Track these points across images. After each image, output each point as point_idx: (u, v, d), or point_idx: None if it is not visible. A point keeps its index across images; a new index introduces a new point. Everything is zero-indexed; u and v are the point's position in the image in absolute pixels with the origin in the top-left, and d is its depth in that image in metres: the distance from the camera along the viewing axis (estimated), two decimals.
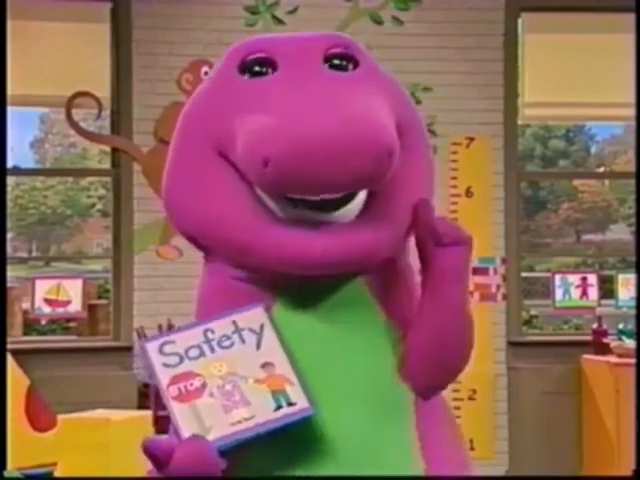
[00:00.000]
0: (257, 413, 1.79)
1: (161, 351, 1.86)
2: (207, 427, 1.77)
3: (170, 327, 6.27)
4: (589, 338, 6.67)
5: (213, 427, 1.77)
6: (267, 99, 1.86)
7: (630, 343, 6.27)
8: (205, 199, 1.93)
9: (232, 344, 1.87)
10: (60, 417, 4.69)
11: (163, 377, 1.83)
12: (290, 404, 1.80)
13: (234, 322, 1.90)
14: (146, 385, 6.12)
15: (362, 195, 1.90)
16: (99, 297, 8.48)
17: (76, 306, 6.48)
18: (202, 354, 1.86)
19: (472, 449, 6.47)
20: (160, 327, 6.29)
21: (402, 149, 1.86)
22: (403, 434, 1.93)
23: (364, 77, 1.96)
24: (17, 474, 4.81)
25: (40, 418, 5.38)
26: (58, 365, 6.25)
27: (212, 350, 1.86)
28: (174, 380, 1.82)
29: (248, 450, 1.81)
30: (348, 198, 1.87)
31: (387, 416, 1.93)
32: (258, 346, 1.87)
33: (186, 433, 1.77)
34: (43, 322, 7.10)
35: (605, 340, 6.52)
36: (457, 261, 1.95)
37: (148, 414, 4.81)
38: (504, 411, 6.68)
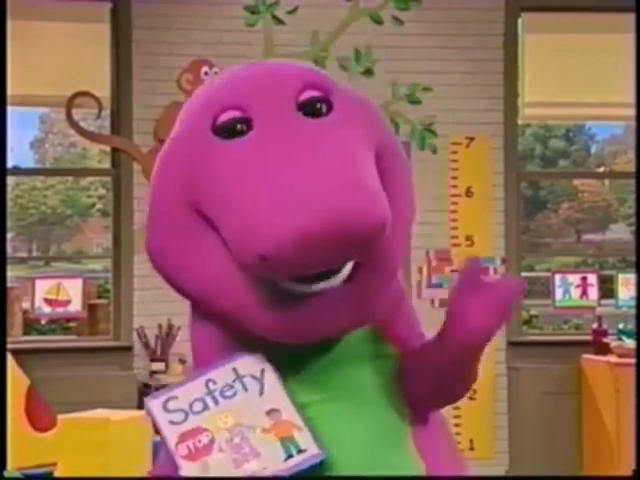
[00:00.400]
0: (268, 465, 1.77)
1: (165, 408, 1.84)
2: None
3: (170, 327, 6.28)
4: (589, 338, 6.67)
5: None
6: (249, 172, 1.78)
7: (630, 343, 6.28)
8: (190, 264, 1.87)
9: (235, 393, 1.85)
10: (60, 417, 4.69)
11: (171, 436, 1.81)
12: (300, 451, 1.78)
13: (234, 369, 1.87)
14: (146, 385, 6.12)
15: (350, 263, 1.85)
16: (99, 297, 8.47)
17: (76, 306, 6.48)
18: (206, 407, 1.83)
19: (472, 449, 6.47)
20: (160, 327, 6.30)
21: (382, 173, 1.83)
22: (404, 456, 1.93)
23: (340, 119, 1.88)
24: (17, 474, 4.81)
25: (40, 418, 5.38)
26: (58, 365, 6.25)
27: (216, 402, 1.84)
28: (182, 438, 1.80)
29: None
30: (335, 270, 1.83)
31: (388, 438, 1.92)
32: (261, 392, 1.85)
33: None
34: (43, 322, 7.10)
35: (605, 340, 6.52)
36: (491, 329, 1.86)
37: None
38: (504, 411, 6.68)
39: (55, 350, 6.45)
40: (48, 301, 6.42)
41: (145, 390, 6.08)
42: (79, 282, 6.55)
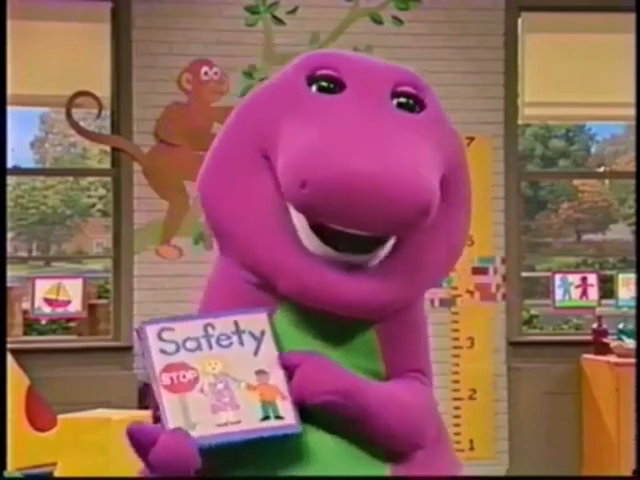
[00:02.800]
0: (244, 419, 1.78)
1: (160, 336, 1.85)
2: (193, 422, 1.77)
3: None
4: (589, 338, 6.66)
5: (198, 424, 1.77)
6: (323, 119, 1.83)
7: (630, 343, 6.27)
8: (242, 204, 1.91)
9: (230, 344, 1.86)
10: (60, 417, 4.69)
11: (158, 363, 1.82)
12: (278, 417, 1.79)
13: (236, 322, 1.88)
14: (146, 385, 6.12)
15: (391, 241, 1.88)
16: (99, 297, 8.47)
17: (76, 306, 6.48)
18: (199, 348, 1.85)
19: (472, 449, 6.47)
20: None
21: (443, 202, 1.85)
22: (378, 458, 1.92)
23: (425, 123, 1.93)
24: (17, 474, 4.81)
25: (40, 418, 5.39)
26: (58, 365, 6.25)
27: (210, 346, 1.85)
28: (168, 368, 1.82)
29: (228, 455, 1.81)
30: (377, 243, 1.86)
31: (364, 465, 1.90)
32: (256, 352, 1.86)
33: (171, 424, 1.77)
34: (43, 322, 7.10)
35: (605, 340, 6.52)
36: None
37: (148, 414, 4.81)
38: (504, 411, 6.67)
39: (55, 350, 6.44)
40: (48, 301, 6.42)
41: (145, 390, 6.08)
42: (79, 282, 6.55)
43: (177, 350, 1.84)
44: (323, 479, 1.84)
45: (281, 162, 1.83)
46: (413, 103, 1.94)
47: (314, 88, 1.92)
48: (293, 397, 1.82)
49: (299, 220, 1.87)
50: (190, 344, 1.85)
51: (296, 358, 1.85)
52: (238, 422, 1.78)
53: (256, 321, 1.89)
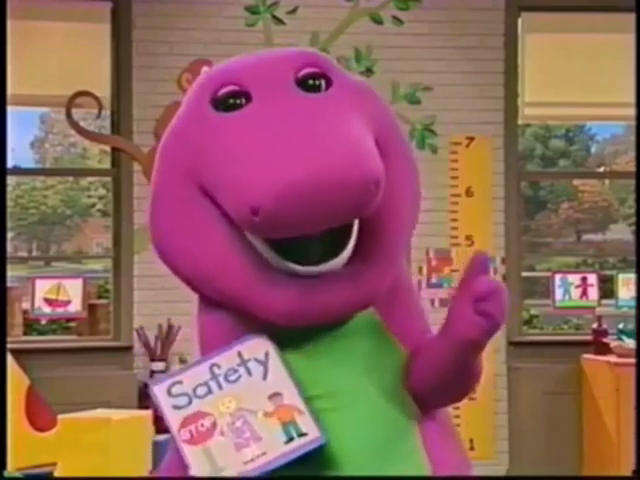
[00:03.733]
0: (269, 449, 1.78)
1: (169, 393, 1.86)
2: (220, 467, 1.77)
3: (170, 327, 6.28)
4: (589, 338, 6.67)
5: (226, 468, 1.77)
6: (246, 139, 1.80)
7: (630, 343, 6.27)
8: (195, 243, 1.89)
9: (239, 377, 1.86)
10: (60, 417, 4.69)
11: (173, 420, 1.83)
12: (301, 435, 1.80)
13: (239, 353, 1.89)
14: (146, 385, 6.12)
15: (351, 244, 1.87)
16: (99, 297, 8.47)
17: (76, 306, 6.48)
18: (210, 391, 1.85)
19: (472, 449, 6.47)
20: (160, 327, 6.30)
21: (384, 157, 1.83)
22: (409, 453, 1.93)
23: (339, 95, 1.90)
24: (17, 474, 4.81)
25: (40, 418, 5.39)
26: (58, 365, 6.25)
27: (219, 386, 1.86)
28: (185, 422, 1.82)
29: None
30: (335, 251, 1.85)
31: (394, 433, 1.92)
32: (265, 376, 1.86)
33: (199, 474, 1.77)
34: (43, 322, 7.10)
35: (605, 340, 6.52)
36: (484, 336, 1.86)
37: (148, 414, 4.81)
38: (504, 411, 6.68)
39: (55, 350, 6.45)
40: (48, 301, 6.42)
41: (145, 390, 6.08)
42: (79, 282, 6.55)
43: (189, 401, 1.84)
44: (335, 479, 1.85)
45: (224, 196, 1.81)
46: (319, 82, 1.92)
47: (221, 110, 1.89)
48: (490, 321, 1.83)
49: (255, 240, 1.86)
50: (200, 390, 1.85)
51: (487, 286, 1.84)
52: (264, 454, 1.78)
53: (258, 346, 1.89)
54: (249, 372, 1.87)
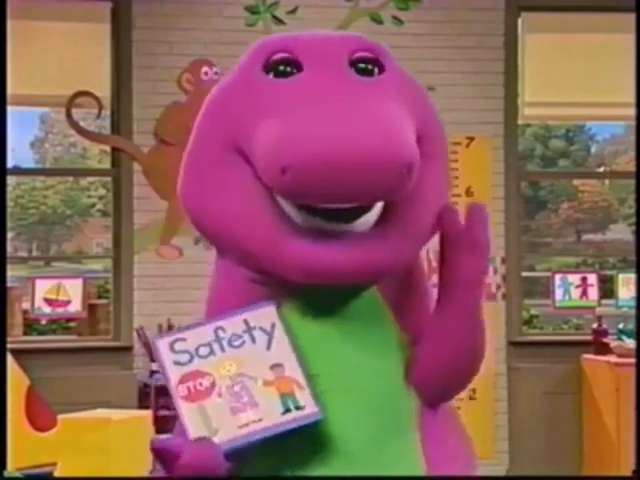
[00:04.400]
0: (265, 416, 1.79)
1: (172, 348, 1.86)
2: (214, 428, 1.78)
3: (170, 327, 6.28)
4: (589, 338, 6.66)
5: (220, 429, 1.78)
6: (290, 103, 1.83)
7: (630, 343, 6.27)
8: (224, 199, 1.90)
9: (243, 343, 1.87)
10: (60, 417, 4.69)
11: (173, 375, 1.84)
12: (298, 408, 1.80)
13: (245, 321, 1.89)
14: (146, 385, 6.12)
15: (379, 205, 1.89)
16: (99, 297, 8.46)
17: (76, 306, 6.48)
18: (212, 353, 1.85)
19: None
20: (160, 327, 6.30)
21: (421, 157, 1.84)
22: (406, 441, 1.94)
23: (388, 83, 1.93)
24: (17, 474, 4.81)
25: (40, 418, 5.39)
26: (58, 365, 6.25)
27: (222, 349, 1.86)
28: (184, 379, 1.83)
29: (253, 450, 1.81)
30: (365, 209, 1.86)
31: (391, 422, 1.93)
32: (268, 346, 1.87)
33: (193, 433, 1.77)
34: (43, 322, 7.10)
35: (605, 340, 6.52)
36: (479, 269, 1.96)
37: (148, 414, 4.82)
38: (504, 411, 6.68)
39: (55, 350, 6.44)
40: (48, 301, 6.42)
41: (145, 390, 6.08)
42: (79, 282, 6.55)
43: (191, 359, 1.85)
44: (332, 479, 1.85)
45: (257, 154, 1.83)
46: (372, 67, 1.95)
47: (272, 75, 1.92)
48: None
49: (284, 201, 1.87)
50: (203, 350, 1.86)
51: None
52: (259, 420, 1.79)
53: (265, 315, 1.90)
54: (253, 340, 1.87)
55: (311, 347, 1.91)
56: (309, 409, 1.80)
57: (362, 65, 1.93)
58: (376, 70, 1.95)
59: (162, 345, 1.87)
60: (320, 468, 1.85)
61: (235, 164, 1.90)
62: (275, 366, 1.84)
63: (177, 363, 1.84)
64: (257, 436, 1.77)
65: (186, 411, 1.80)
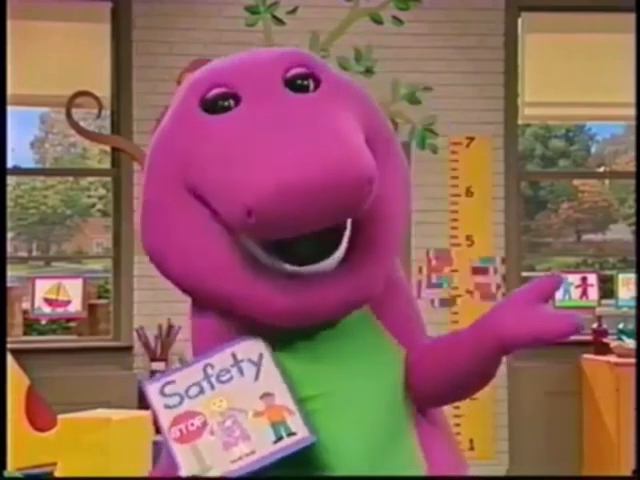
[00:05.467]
0: (257, 448, 1.79)
1: (162, 392, 1.88)
2: (208, 465, 1.79)
3: (170, 327, 6.29)
4: (589, 338, 6.66)
5: (213, 466, 1.78)
6: (238, 142, 1.79)
7: (630, 343, 6.27)
8: (186, 246, 1.88)
9: (231, 378, 1.87)
10: (60, 417, 4.69)
11: (164, 419, 1.85)
12: (290, 434, 1.80)
13: (233, 354, 1.89)
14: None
15: (344, 242, 1.86)
16: (99, 297, 8.45)
17: (76, 306, 6.48)
18: (202, 391, 1.86)
19: (472, 449, 6.47)
20: (160, 327, 6.30)
21: (376, 159, 1.82)
22: (407, 454, 1.93)
23: (327, 95, 1.89)
24: (17, 474, 4.81)
25: (40, 418, 5.39)
26: (58, 365, 6.25)
27: (212, 387, 1.87)
28: (175, 421, 1.84)
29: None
30: (329, 250, 1.84)
31: (390, 434, 1.92)
32: (257, 377, 1.87)
33: (186, 472, 1.79)
34: (43, 322, 7.10)
35: (605, 340, 6.52)
36: (522, 341, 1.85)
37: (148, 414, 4.80)
38: (504, 411, 6.68)
39: (55, 350, 6.45)
40: (48, 301, 6.42)
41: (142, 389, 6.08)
42: (79, 282, 6.55)
43: (181, 401, 1.86)
44: (330, 479, 1.85)
45: (217, 199, 1.81)
46: (307, 82, 1.91)
47: (210, 112, 1.89)
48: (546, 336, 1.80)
49: (246, 240, 1.85)
50: (192, 391, 1.87)
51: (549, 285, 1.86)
52: (252, 452, 1.79)
53: (252, 347, 1.90)
54: (241, 372, 1.88)
55: (303, 368, 1.90)
56: (301, 434, 1.80)
57: (298, 82, 1.90)
58: (312, 84, 1.91)
59: (152, 390, 1.88)
60: None
61: (191, 208, 1.87)
62: (265, 395, 1.85)
63: (167, 407, 1.86)
64: (250, 468, 1.78)
65: (179, 453, 1.81)
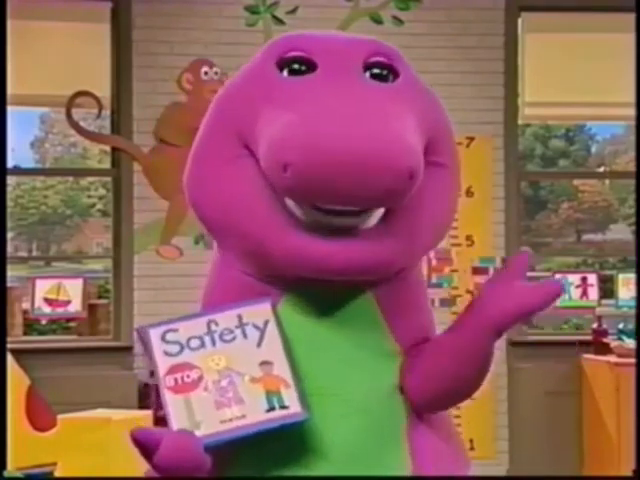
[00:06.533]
0: (248, 413, 1.79)
1: (163, 338, 1.87)
2: (197, 421, 1.78)
3: None
4: (589, 338, 6.66)
5: (203, 422, 1.78)
6: (299, 101, 1.82)
7: (630, 343, 6.27)
8: (228, 190, 1.90)
9: (234, 338, 1.87)
10: (60, 417, 4.69)
11: (162, 365, 1.84)
12: (283, 407, 1.80)
13: (239, 316, 1.89)
14: (146, 385, 6.12)
15: (380, 211, 1.88)
16: (99, 297, 8.46)
17: (76, 306, 6.48)
18: (203, 345, 1.86)
19: (472, 449, 6.47)
20: None
21: (433, 165, 1.86)
22: (392, 448, 1.93)
23: (401, 90, 1.92)
24: (17, 474, 4.81)
25: (40, 418, 5.38)
26: (58, 365, 6.25)
27: (213, 343, 1.86)
28: (172, 369, 1.83)
29: (236, 448, 1.81)
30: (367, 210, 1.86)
31: (379, 428, 1.92)
32: (259, 343, 1.87)
33: (176, 425, 1.78)
34: (43, 322, 7.10)
35: (605, 340, 6.52)
36: (512, 318, 1.98)
37: (148, 414, 4.81)
38: (504, 411, 6.68)
39: (55, 350, 6.45)
40: (48, 301, 6.42)
41: (145, 390, 6.08)
42: (79, 282, 6.55)
43: (181, 350, 1.85)
44: (327, 479, 1.85)
45: (261, 148, 1.83)
46: (387, 73, 1.94)
47: (285, 72, 1.92)
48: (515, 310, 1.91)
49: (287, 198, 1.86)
50: (194, 343, 1.86)
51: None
52: (243, 416, 1.79)
53: (259, 312, 1.90)
54: (245, 335, 1.87)
55: (302, 348, 1.90)
56: (293, 409, 1.80)
57: (377, 70, 1.93)
58: (390, 76, 1.94)
59: (154, 334, 1.87)
60: (303, 471, 1.85)
61: (240, 157, 1.90)
62: (264, 363, 1.84)
63: (167, 353, 1.85)
64: (239, 432, 1.78)
65: (171, 402, 1.80)
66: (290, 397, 1.81)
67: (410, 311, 2.03)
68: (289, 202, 1.86)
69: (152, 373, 1.87)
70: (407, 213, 1.88)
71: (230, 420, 1.78)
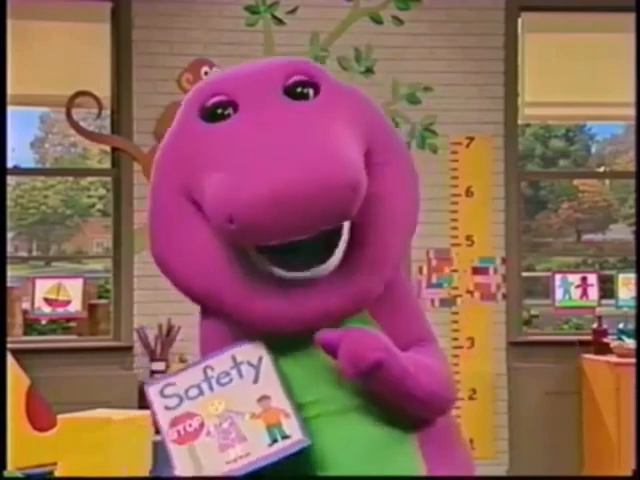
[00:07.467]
0: (252, 450, 1.82)
1: (162, 394, 1.91)
2: (202, 466, 1.81)
3: (170, 327, 6.28)
4: (589, 338, 6.66)
5: (208, 467, 1.81)
6: (228, 149, 1.81)
7: (630, 343, 6.27)
8: (189, 255, 1.91)
9: (230, 380, 1.90)
10: (60, 417, 4.68)
11: (163, 420, 1.88)
12: (285, 437, 1.82)
13: (233, 357, 1.92)
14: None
15: (340, 249, 1.87)
16: (99, 297, 8.46)
17: (76, 306, 6.48)
18: (201, 393, 1.89)
19: (472, 449, 6.47)
20: (160, 327, 6.30)
21: (378, 165, 1.86)
22: (405, 462, 1.93)
23: (326, 103, 1.91)
24: (17, 474, 4.81)
25: (40, 418, 5.38)
26: (58, 365, 6.25)
27: (211, 388, 1.90)
28: (174, 422, 1.87)
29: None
30: (325, 257, 1.86)
31: (389, 443, 1.92)
32: (256, 380, 1.89)
33: (182, 473, 1.81)
34: (43, 322, 7.10)
35: (605, 340, 6.52)
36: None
37: (148, 414, 4.80)
38: (504, 411, 6.67)
39: (55, 350, 6.44)
40: (48, 301, 6.42)
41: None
42: (79, 282, 6.55)
43: (180, 402, 1.89)
44: (330, 479, 1.85)
45: (204, 207, 1.84)
46: (307, 90, 1.93)
47: (209, 120, 1.91)
48: (346, 374, 1.84)
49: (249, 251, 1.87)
50: (192, 392, 1.90)
51: (332, 339, 1.85)
52: (247, 454, 1.81)
53: (253, 350, 1.92)
54: (240, 375, 1.90)
55: (301, 374, 1.91)
56: (295, 437, 1.82)
57: (299, 89, 1.91)
58: (311, 92, 1.93)
59: (152, 392, 1.92)
60: None
61: (194, 218, 1.91)
62: (262, 398, 1.87)
63: (167, 408, 1.89)
64: (244, 471, 1.80)
65: (176, 454, 1.84)
66: (291, 426, 1.83)
67: (402, 317, 2.04)
68: (250, 253, 1.86)
69: (157, 430, 1.91)
70: (367, 229, 1.87)
71: (235, 460, 1.81)
